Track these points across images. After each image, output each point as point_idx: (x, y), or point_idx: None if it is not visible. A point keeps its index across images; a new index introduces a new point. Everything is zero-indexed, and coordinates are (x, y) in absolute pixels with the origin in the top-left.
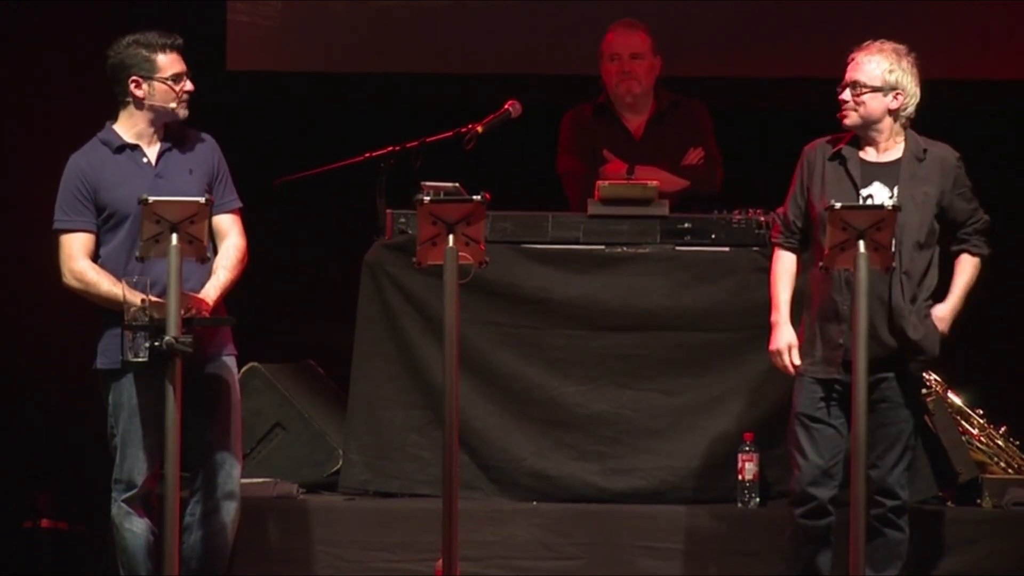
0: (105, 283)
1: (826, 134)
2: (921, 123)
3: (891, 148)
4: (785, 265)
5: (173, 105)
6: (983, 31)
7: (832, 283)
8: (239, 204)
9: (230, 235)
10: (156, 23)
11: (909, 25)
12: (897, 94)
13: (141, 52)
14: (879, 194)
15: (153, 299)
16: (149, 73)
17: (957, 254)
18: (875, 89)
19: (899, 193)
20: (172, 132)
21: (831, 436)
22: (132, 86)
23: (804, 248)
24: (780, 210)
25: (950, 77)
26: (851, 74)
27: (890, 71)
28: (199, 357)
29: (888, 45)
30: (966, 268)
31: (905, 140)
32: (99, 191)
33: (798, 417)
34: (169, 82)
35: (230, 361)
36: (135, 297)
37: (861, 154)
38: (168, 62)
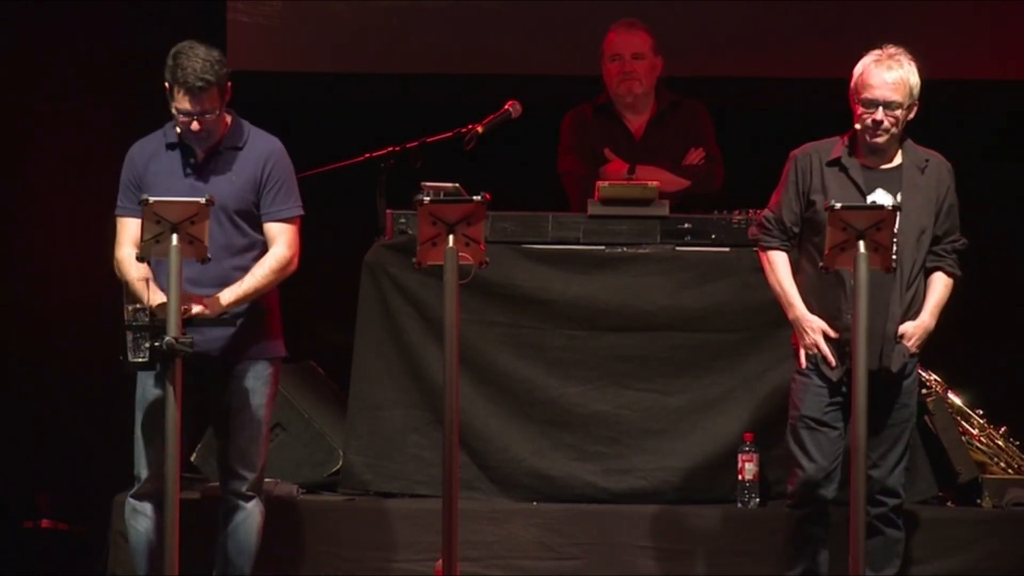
0: (133, 276)
1: (827, 134)
2: (920, 123)
3: (893, 156)
4: (786, 264)
5: (178, 130)
6: (982, 31)
7: (836, 291)
8: (293, 213)
9: (276, 244)
10: (156, 23)
11: (909, 25)
12: (913, 106)
13: (168, 74)
14: (883, 201)
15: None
16: (169, 94)
17: (931, 271)
18: (909, 107)
19: (902, 201)
20: (235, 132)
21: (834, 439)
22: (165, 91)
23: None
24: (768, 213)
25: (950, 78)
26: (886, 94)
27: (916, 85)
28: (230, 359)
29: (903, 55)
30: (940, 287)
31: (903, 147)
32: (143, 180)
33: (803, 419)
34: (177, 114)
35: (261, 364)
36: (157, 298)
37: (861, 161)
38: (180, 99)
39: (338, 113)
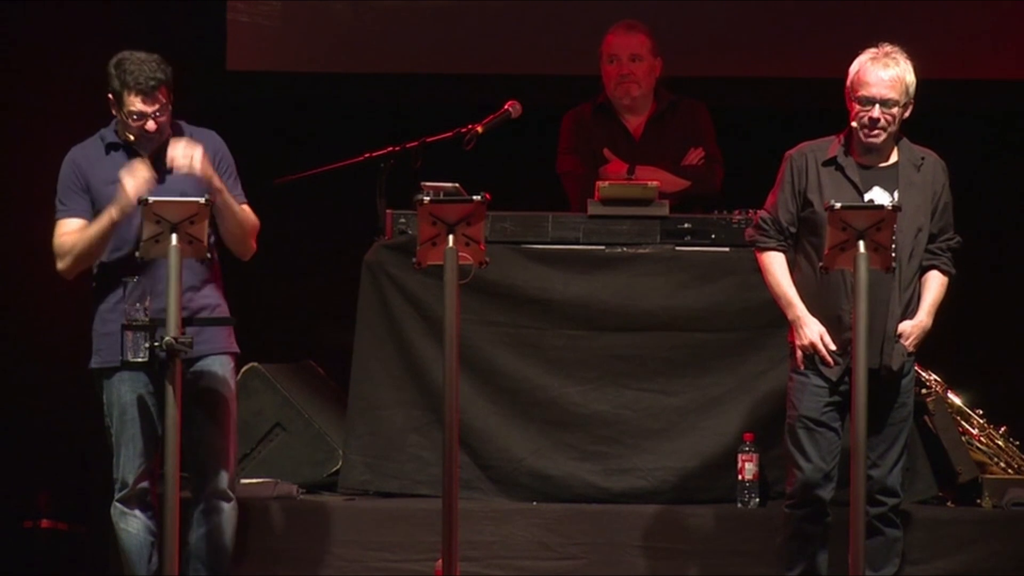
0: (90, 228)
1: (827, 134)
2: (920, 123)
3: (889, 154)
4: (784, 264)
5: (132, 137)
6: (982, 31)
7: (835, 290)
8: (245, 198)
9: None
10: (156, 23)
11: (909, 25)
12: (909, 104)
13: (115, 81)
14: (880, 199)
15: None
16: (118, 100)
17: (925, 269)
18: (905, 105)
19: (899, 199)
20: (177, 129)
21: (832, 439)
22: (108, 100)
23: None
24: (765, 214)
25: (950, 77)
26: (882, 92)
27: (912, 83)
28: (192, 355)
29: (899, 53)
30: (935, 286)
31: (899, 145)
32: (90, 185)
33: (801, 420)
34: (129, 118)
35: (224, 359)
36: (125, 202)
37: (857, 159)
38: (132, 101)
39: (338, 113)
